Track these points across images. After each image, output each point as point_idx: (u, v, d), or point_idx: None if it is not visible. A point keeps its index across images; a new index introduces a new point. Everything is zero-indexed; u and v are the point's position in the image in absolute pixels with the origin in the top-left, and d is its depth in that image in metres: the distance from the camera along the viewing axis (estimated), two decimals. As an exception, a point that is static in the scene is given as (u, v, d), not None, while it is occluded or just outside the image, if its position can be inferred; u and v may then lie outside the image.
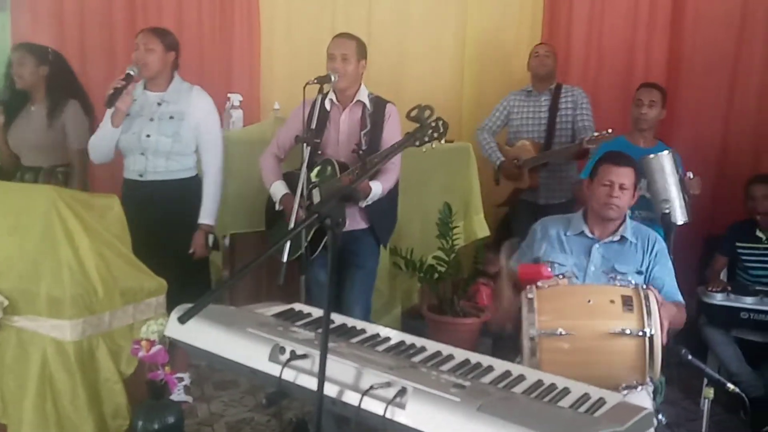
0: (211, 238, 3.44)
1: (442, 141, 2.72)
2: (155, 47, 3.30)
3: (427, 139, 2.59)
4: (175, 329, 1.97)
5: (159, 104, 3.36)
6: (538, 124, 4.46)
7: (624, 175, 2.77)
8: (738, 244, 3.94)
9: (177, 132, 3.33)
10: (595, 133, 3.79)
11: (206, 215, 3.41)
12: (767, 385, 3.65)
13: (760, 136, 4.78)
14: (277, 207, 3.41)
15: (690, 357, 2.47)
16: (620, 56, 5.05)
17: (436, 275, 4.21)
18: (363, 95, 3.34)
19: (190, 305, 1.55)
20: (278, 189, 3.39)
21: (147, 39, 3.31)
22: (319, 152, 3.30)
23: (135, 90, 3.37)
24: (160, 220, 3.29)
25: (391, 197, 3.38)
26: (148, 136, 3.30)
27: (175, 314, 1.87)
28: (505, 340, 3.99)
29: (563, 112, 4.43)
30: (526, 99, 4.51)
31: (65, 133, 3.61)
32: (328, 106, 3.34)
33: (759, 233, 3.87)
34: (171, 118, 3.33)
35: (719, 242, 4.17)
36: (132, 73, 3.24)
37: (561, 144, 4.36)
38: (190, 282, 3.25)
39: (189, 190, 3.43)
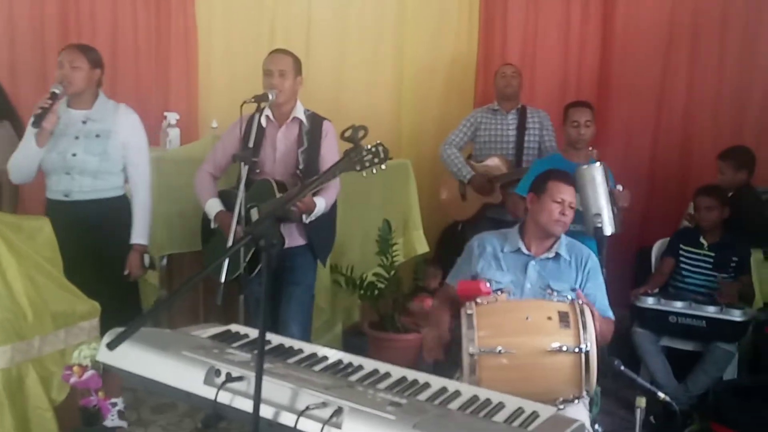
0: (146, 258, 3.38)
1: (383, 166, 2.71)
2: (81, 65, 3.23)
3: (368, 164, 2.60)
4: (107, 354, 1.92)
5: (84, 122, 3.27)
6: (506, 142, 4.57)
7: (572, 194, 2.85)
8: (682, 246, 4.07)
9: (104, 150, 3.25)
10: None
11: (139, 235, 3.34)
12: (692, 397, 3.77)
13: (687, 150, 5.00)
14: (212, 225, 3.37)
15: (622, 368, 2.53)
16: (554, 77, 5.20)
17: (377, 292, 4.22)
18: (299, 112, 3.34)
19: (121, 329, 1.52)
20: (213, 206, 3.35)
21: (72, 56, 3.23)
22: (257, 171, 3.27)
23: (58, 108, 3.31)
24: (89, 241, 3.20)
25: (329, 214, 3.38)
26: (74, 155, 3.22)
27: (105, 339, 1.83)
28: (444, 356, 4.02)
29: (531, 131, 4.56)
30: (493, 117, 4.62)
31: None
32: (264, 123, 3.33)
33: (702, 240, 4.01)
34: (97, 136, 3.25)
35: (650, 254, 4.30)
36: (57, 91, 3.15)
37: (528, 162, 4.46)
38: (121, 305, 3.17)
39: (117, 209, 3.35)
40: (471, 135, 4.66)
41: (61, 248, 2.95)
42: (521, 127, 4.55)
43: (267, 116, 3.33)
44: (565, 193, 2.82)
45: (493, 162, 4.50)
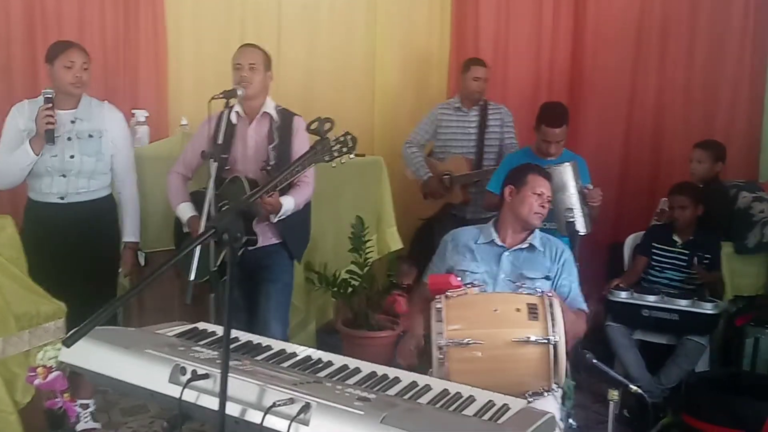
0: (141, 255, 3.38)
1: (352, 155, 2.71)
2: (89, 66, 3.23)
3: (336, 153, 2.57)
4: (70, 354, 1.88)
5: (73, 122, 3.23)
6: (467, 140, 4.54)
7: (549, 188, 2.92)
8: (654, 244, 4.09)
9: (99, 150, 3.25)
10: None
11: (131, 233, 3.38)
12: (665, 390, 3.79)
13: (658, 146, 5.05)
14: (184, 229, 3.32)
15: (594, 361, 2.54)
16: (525, 73, 5.21)
17: (350, 289, 4.20)
18: (269, 107, 3.31)
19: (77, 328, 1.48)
20: (185, 211, 3.31)
21: (84, 57, 3.21)
22: (227, 167, 3.23)
23: (32, 107, 3.23)
24: (81, 242, 3.19)
25: (303, 212, 3.35)
26: (71, 157, 3.18)
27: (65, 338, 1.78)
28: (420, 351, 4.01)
29: (491, 129, 4.53)
30: (455, 114, 4.58)
31: None
32: (234, 119, 3.29)
33: (675, 237, 4.03)
34: (90, 136, 3.23)
35: (622, 249, 4.32)
36: (51, 96, 3.11)
37: (489, 160, 4.46)
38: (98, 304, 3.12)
39: (106, 209, 3.35)
40: (432, 132, 4.64)
41: (52, 250, 2.98)
42: (482, 125, 4.53)
43: (237, 112, 3.29)
44: (544, 187, 2.89)
45: (455, 160, 4.50)
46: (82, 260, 3.17)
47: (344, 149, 2.61)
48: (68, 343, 1.42)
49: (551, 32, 5.22)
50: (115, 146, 3.32)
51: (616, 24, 5.07)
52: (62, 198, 3.22)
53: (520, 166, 3.07)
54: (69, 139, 3.20)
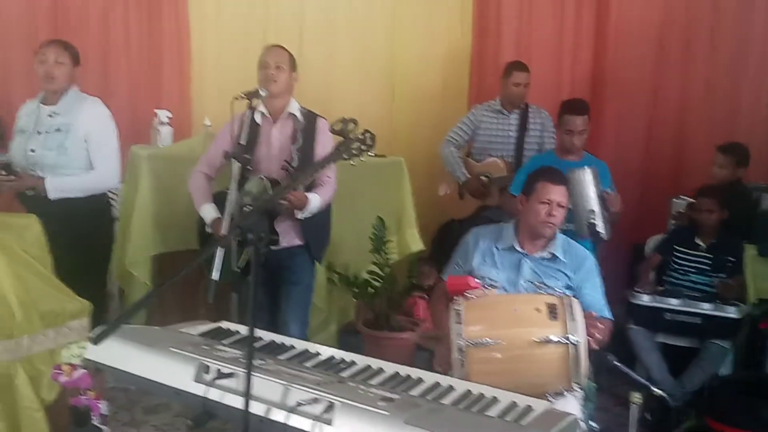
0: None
1: (371, 153, 2.70)
2: (65, 60, 3.24)
3: (355, 152, 2.58)
4: (95, 352, 1.92)
5: (50, 116, 3.26)
6: (507, 143, 4.54)
7: (561, 194, 2.81)
8: (676, 247, 4.05)
9: (61, 144, 3.22)
10: None
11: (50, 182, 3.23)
12: (687, 393, 3.74)
13: (680, 147, 5.01)
14: (207, 229, 3.34)
15: (616, 362, 2.52)
16: (547, 73, 5.18)
17: (371, 290, 4.20)
18: (294, 108, 3.32)
19: (105, 326, 1.50)
20: (208, 213, 3.30)
21: (58, 52, 3.23)
22: (249, 168, 3.24)
23: (30, 105, 3.31)
24: (60, 240, 3.09)
25: (325, 214, 3.37)
26: (32, 150, 3.20)
27: (91, 335, 1.80)
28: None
29: (532, 133, 4.53)
30: (495, 116, 4.58)
31: None
32: (258, 119, 3.31)
33: (698, 240, 3.99)
34: (57, 130, 3.23)
35: (643, 250, 4.29)
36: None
37: None
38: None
39: (83, 207, 3.29)
40: (471, 133, 4.63)
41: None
42: (522, 128, 4.53)
43: (261, 112, 3.31)
44: (553, 193, 2.79)
45: (494, 163, 4.49)
46: (65, 257, 3.09)
47: (363, 147, 2.61)
48: (96, 340, 1.44)
49: (573, 32, 5.18)
50: (89, 141, 3.29)
51: (638, 23, 5.02)
52: (32, 192, 3.22)
53: (534, 172, 3.00)
54: (39, 133, 3.23)
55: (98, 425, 3.18)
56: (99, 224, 3.40)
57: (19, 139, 3.26)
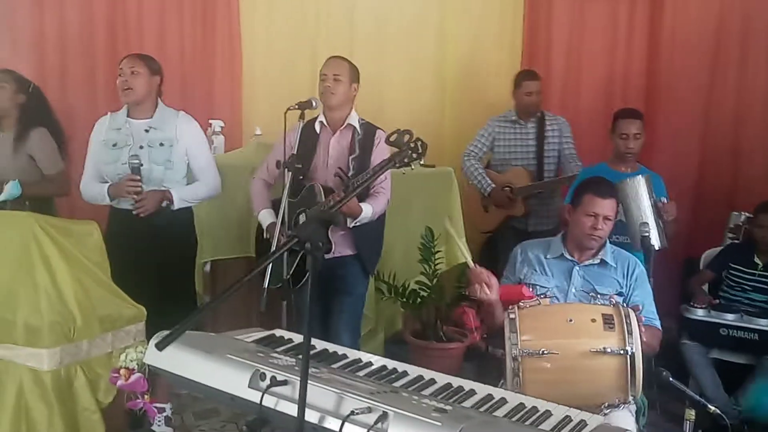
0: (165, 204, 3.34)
1: (422, 161, 2.70)
2: (141, 70, 3.29)
3: (406, 160, 2.59)
4: (154, 356, 1.94)
5: (146, 131, 3.32)
6: (526, 152, 4.52)
7: (608, 207, 2.78)
8: (732, 265, 3.96)
9: (168, 159, 3.31)
10: None
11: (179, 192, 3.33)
12: (742, 411, 3.65)
13: (736, 158, 4.88)
14: (265, 235, 3.39)
15: (671, 379, 2.48)
16: (599, 84, 5.13)
17: (419, 300, 4.20)
18: (353, 119, 3.35)
19: (167, 332, 1.53)
20: (265, 218, 3.37)
21: (132, 63, 3.30)
22: (300, 177, 3.28)
23: (117, 118, 3.37)
24: (151, 250, 3.25)
25: (378, 224, 3.38)
26: (141, 165, 3.26)
27: (153, 341, 1.85)
28: (488, 363, 3.99)
29: (550, 140, 4.50)
30: (512, 127, 4.56)
31: (32, 160, 3.63)
32: (318, 129, 3.35)
33: (757, 259, 3.90)
34: (161, 144, 3.30)
35: (698, 264, 4.20)
36: (137, 164, 3.22)
37: (548, 171, 4.43)
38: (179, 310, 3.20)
39: (178, 218, 3.38)
40: (489, 145, 4.61)
41: (123, 255, 3.03)
42: (540, 137, 4.49)
43: (321, 122, 3.35)
44: (599, 207, 2.76)
45: (517, 172, 4.47)
46: (150, 266, 3.23)
47: (414, 156, 2.62)
48: (160, 346, 1.47)
49: (626, 41, 5.11)
50: (190, 155, 3.38)
51: (693, 31, 4.91)
52: (165, 203, 3.30)
53: (582, 183, 2.99)
54: (141, 147, 3.29)
55: (162, 428, 3.28)
56: (186, 235, 3.49)
57: (107, 152, 3.31)
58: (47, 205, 3.66)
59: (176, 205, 3.31)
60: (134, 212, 3.23)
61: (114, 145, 3.31)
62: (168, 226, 3.33)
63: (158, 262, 3.26)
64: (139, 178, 3.22)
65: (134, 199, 3.21)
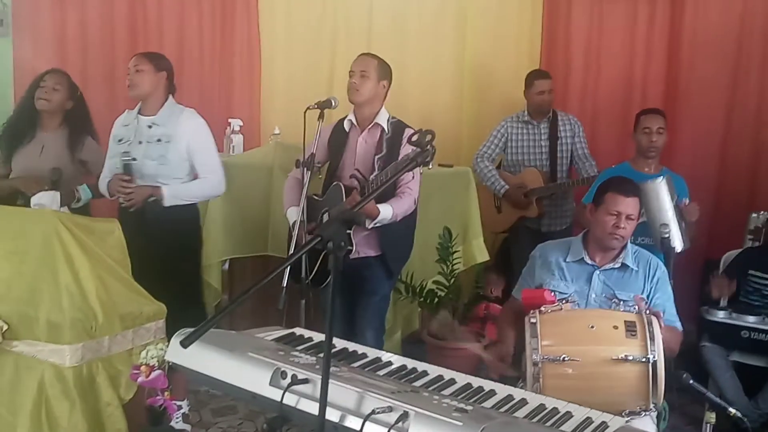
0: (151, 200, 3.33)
1: (429, 166, 2.67)
2: (145, 67, 3.31)
3: (420, 161, 2.58)
4: (176, 354, 1.96)
5: (149, 127, 3.33)
6: (540, 153, 4.51)
7: (631, 206, 2.75)
8: (752, 272, 3.91)
9: (163, 155, 3.29)
10: None
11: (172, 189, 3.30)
12: (763, 415, 3.62)
13: (757, 160, 4.83)
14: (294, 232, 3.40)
15: (691, 381, 2.45)
16: (618, 85, 5.09)
17: (437, 300, 4.20)
18: (382, 118, 3.30)
19: (190, 329, 1.54)
20: (291, 215, 3.34)
21: (137, 60, 3.34)
22: (320, 176, 3.28)
23: (129, 116, 3.41)
24: (155, 245, 3.24)
25: (405, 226, 3.33)
26: (134, 159, 3.29)
27: (176, 338, 1.86)
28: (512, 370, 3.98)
29: (563, 140, 4.49)
30: (524, 127, 4.55)
31: (82, 165, 3.67)
32: (347, 127, 3.34)
33: None
34: (158, 140, 3.30)
35: (718, 266, 4.16)
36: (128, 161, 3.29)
37: (561, 171, 4.42)
38: (184, 307, 3.21)
39: (179, 215, 3.37)
40: (502, 146, 4.60)
41: (130, 250, 3.01)
42: (553, 137, 4.48)
43: (350, 120, 3.34)
44: (622, 205, 2.73)
45: (530, 173, 4.46)
46: (155, 262, 3.20)
47: (428, 158, 2.60)
48: (185, 343, 1.48)
49: (645, 42, 5.06)
50: (191, 152, 3.34)
51: (714, 33, 4.88)
52: (152, 198, 3.29)
53: (605, 181, 2.96)
54: (140, 143, 3.31)
55: (179, 425, 3.30)
56: (195, 229, 3.51)
57: (113, 147, 3.38)
58: (85, 207, 3.69)
59: (167, 202, 3.27)
60: (122, 205, 3.27)
61: (120, 140, 3.36)
62: (170, 224, 3.31)
63: (160, 261, 3.22)
64: (129, 177, 3.24)
65: (123, 195, 3.24)
